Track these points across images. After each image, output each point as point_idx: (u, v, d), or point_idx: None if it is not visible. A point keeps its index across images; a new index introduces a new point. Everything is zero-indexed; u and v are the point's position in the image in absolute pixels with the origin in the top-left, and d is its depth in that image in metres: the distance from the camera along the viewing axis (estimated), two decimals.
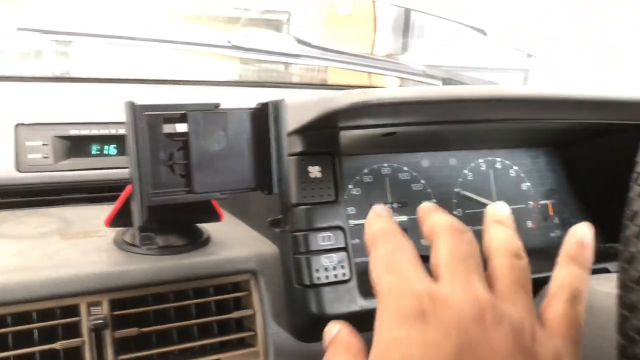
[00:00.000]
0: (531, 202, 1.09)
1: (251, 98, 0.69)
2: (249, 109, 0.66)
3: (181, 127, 0.62)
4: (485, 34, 1.45)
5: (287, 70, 1.45)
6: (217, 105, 0.64)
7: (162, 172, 0.62)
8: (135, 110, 0.58)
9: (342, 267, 0.75)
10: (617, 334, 0.38)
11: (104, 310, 0.69)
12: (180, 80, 1.18)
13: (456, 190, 1.03)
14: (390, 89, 0.85)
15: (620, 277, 0.39)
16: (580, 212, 1.11)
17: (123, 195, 0.71)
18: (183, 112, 0.62)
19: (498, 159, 1.08)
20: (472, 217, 1.03)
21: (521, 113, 0.89)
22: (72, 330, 0.68)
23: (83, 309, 0.68)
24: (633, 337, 0.36)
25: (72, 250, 0.75)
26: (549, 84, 0.83)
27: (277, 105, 0.65)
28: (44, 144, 0.94)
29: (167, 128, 0.61)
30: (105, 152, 0.99)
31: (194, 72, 1.29)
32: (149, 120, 0.60)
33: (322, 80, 1.56)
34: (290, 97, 0.71)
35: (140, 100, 0.60)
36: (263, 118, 0.66)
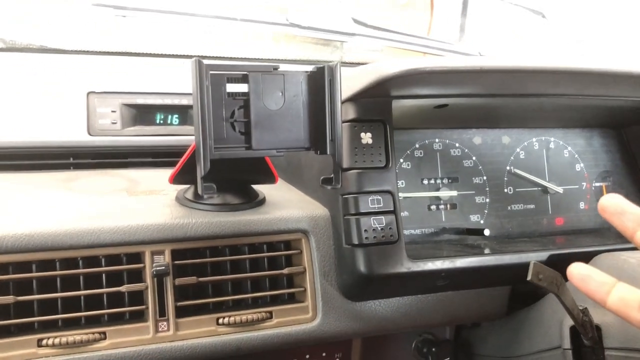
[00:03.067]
0: (585, 184, 1.08)
1: None
2: (306, 71, 0.69)
3: (242, 87, 0.66)
4: (544, 16, 1.44)
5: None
6: (276, 67, 0.67)
7: (224, 128, 0.66)
8: (201, 68, 0.62)
9: (390, 229, 0.77)
10: None
11: (166, 258, 0.74)
12: (238, 58, 1.23)
13: (508, 168, 1.04)
14: (442, 59, 0.86)
15: None
16: (636, 195, 1.10)
17: (187, 153, 0.75)
18: (245, 72, 0.66)
19: (552, 139, 1.08)
20: (524, 196, 1.03)
21: (575, 88, 0.88)
22: (136, 276, 0.74)
23: (147, 257, 0.74)
24: None
25: (138, 205, 0.80)
26: (606, 59, 0.83)
27: (332, 69, 0.68)
28: (112, 111, 1.01)
29: (230, 87, 0.66)
30: (169, 121, 1.05)
31: (252, 50, 1.33)
32: (213, 79, 0.64)
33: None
34: (346, 69, 0.74)
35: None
36: (319, 80, 0.69)
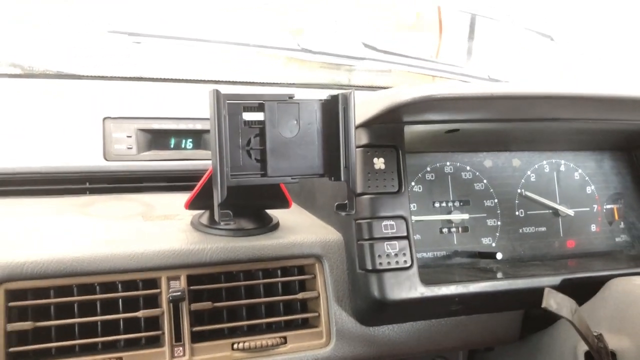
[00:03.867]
0: (596, 206, 1.09)
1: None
2: (320, 100, 0.70)
3: (258, 116, 0.68)
4: (552, 39, 1.45)
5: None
6: (291, 96, 0.69)
7: (240, 156, 0.67)
8: (219, 98, 0.64)
9: (404, 254, 0.78)
10: None
11: (182, 284, 0.75)
12: (252, 82, 1.25)
13: (519, 191, 1.04)
14: (453, 85, 0.87)
15: None
16: None
17: (203, 179, 0.77)
18: (260, 101, 0.67)
19: (562, 162, 1.08)
20: (535, 219, 1.04)
21: (585, 112, 0.89)
22: (152, 301, 0.74)
23: (163, 282, 0.74)
24: None
25: (153, 230, 0.81)
26: (617, 84, 0.84)
27: (346, 97, 0.69)
28: (128, 136, 1.02)
29: (246, 116, 0.67)
30: (183, 145, 1.06)
31: (266, 74, 1.35)
32: (230, 108, 0.65)
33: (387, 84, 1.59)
34: (358, 94, 0.75)
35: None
36: (333, 108, 0.70)
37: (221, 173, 0.64)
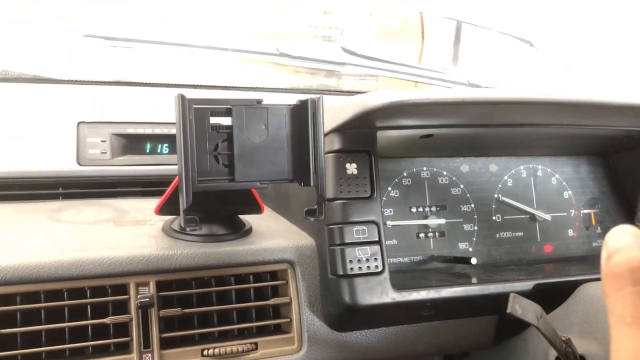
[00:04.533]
0: (573, 211, 1.09)
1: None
2: (289, 105, 0.70)
3: (226, 121, 0.67)
4: (532, 45, 1.46)
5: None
6: (259, 101, 0.68)
7: (207, 161, 0.67)
8: (184, 102, 0.63)
9: (375, 259, 0.78)
10: None
11: (151, 290, 0.74)
12: (229, 86, 1.25)
13: (496, 196, 1.04)
14: (426, 91, 0.87)
15: None
16: (624, 222, 1.10)
17: (173, 184, 0.76)
18: (228, 106, 0.67)
19: (539, 167, 1.08)
20: (512, 223, 1.04)
21: (558, 118, 0.89)
22: (121, 307, 0.74)
23: (132, 288, 0.74)
24: None
25: (124, 236, 0.80)
26: (587, 89, 0.84)
27: (315, 102, 0.69)
28: (102, 141, 1.02)
29: (214, 121, 0.66)
30: (159, 150, 1.06)
31: (243, 78, 1.35)
32: (196, 112, 0.65)
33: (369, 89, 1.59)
34: (330, 99, 0.75)
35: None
36: (302, 114, 0.70)
37: (187, 178, 0.63)
